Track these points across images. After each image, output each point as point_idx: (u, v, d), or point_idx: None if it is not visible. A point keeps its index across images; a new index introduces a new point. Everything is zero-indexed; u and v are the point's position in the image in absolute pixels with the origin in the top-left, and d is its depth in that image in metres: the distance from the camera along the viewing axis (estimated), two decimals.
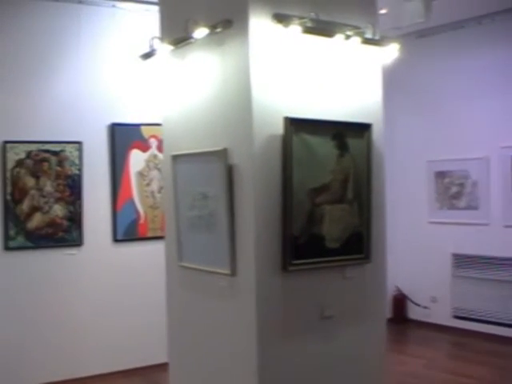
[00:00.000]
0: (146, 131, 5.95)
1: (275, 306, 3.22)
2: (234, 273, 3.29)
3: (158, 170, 5.99)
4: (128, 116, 5.89)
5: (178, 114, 3.85)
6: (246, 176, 3.19)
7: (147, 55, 3.93)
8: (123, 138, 5.85)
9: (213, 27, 3.30)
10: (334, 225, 3.36)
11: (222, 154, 3.28)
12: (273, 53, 3.22)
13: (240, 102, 3.23)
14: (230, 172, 3.27)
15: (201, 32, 3.33)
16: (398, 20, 5.64)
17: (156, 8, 5.79)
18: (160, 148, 5.87)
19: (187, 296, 3.83)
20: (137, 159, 5.94)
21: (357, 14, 3.53)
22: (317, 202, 3.30)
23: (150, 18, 5.78)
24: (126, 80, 5.85)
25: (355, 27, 3.41)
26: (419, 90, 7.37)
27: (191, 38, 3.41)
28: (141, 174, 5.95)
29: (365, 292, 3.59)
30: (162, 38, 3.86)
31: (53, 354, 5.60)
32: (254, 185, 3.15)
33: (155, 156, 6.01)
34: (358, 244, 3.47)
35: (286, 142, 3.19)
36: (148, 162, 5.99)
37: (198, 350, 3.70)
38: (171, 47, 3.66)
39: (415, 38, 7.08)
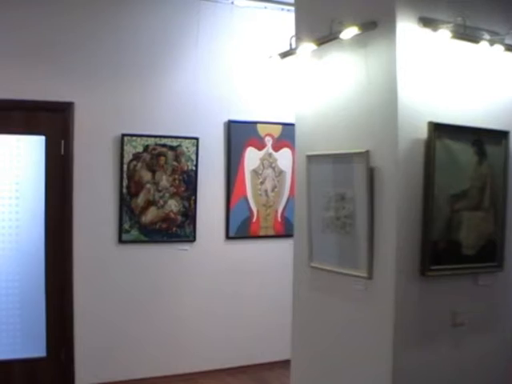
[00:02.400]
0: (261, 129, 5.89)
1: (411, 310, 3.19)
2: (370, 276, 3.27)
3: (273, 168, 5.92)
4: (244, 113, 5.85)
5: (312, 113, 3.82)
6: (388, 179, 3.17)
7: (286, 54, 3.90)
8: (239, 135, 5.81)
9: (358, 28, 3.25)
10: (470, 232, 3.33)
11: (365, 156, 3.25)
12: (419, 56, 3.19)
13: (384, 105, 3.20)
14: (371, 174, 3.23)
15: (349, 32, 3.28)
16: None
17: (274, 5, 5.85)
18: (275, 147, 5.81)
19: (317, 297, 3.79)
20: (252, 157, 5.89)
21: (499, 21, 3.45)
22: (456, 209, 3.28)
23: (268, 15, 5.81)
24: (243, 77, 5.84)
25: (497, 33, 3.34)
26: None
27: (336, 38, 3.36)
28: (255, 172, 5.90)
29: (495, 300, 3.52)
30: (298, 37, 3.81)
31: (161, 349, 5.66)
32: (396, 188, 3.14)
33: (270, 154, 5.95)
34: (492, 252, 3.42)
35: (430, 146, 3.18)
36: (263, 160, 5.93)
37: (325, 352, 3.68)
38: (313, 46, 3.59)
39: None
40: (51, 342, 5.33)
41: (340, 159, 3.47)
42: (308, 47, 3.63)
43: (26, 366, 5.27)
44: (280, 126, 5.87)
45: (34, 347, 5.31)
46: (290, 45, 3.80)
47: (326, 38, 3.46)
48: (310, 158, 3.72)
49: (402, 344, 3.17)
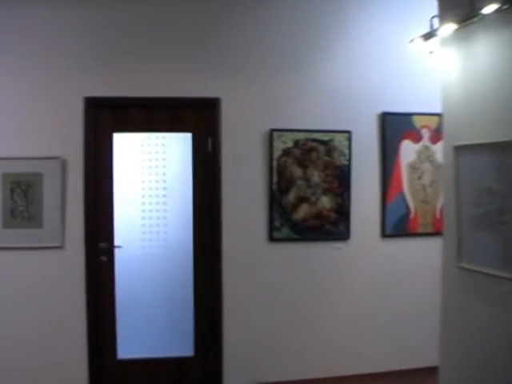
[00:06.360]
0: (417, 121, 5.52)
1: None
2: None
3: (430, 162, 5.52)
4: (399, 104, 5.50)
5: (460, 101, 3.49)
6: None
7: (427, 36, 3.63)
8: (394, 127, 5.47)
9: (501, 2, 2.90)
10: None
11: None
12: None
13: None
14: None
15: (491, 7, 2.97)
16: None
17: None
18: (433, 139, 5.44)
19: (467, 300, 3.45)
20: (408, 150, 5.52)
21: None
22: None
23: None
24: (397, 66, 5.49)
25: None
26: None
27: (477, 14, 3.05)
28: (412, 167, 5.52)
29: None
30: (441, 18, 3.50)
31: (311, 350, 5.44)
32: None
33: (427, 147, 5.56)
34: None
35: None
36: (419, 153, 5.54)
37: (476, 359, 3.33)
38: (453, 26, 3.27)
39: None
40: (199, 341, 5.32)
41: (490, 150, 3.13)
42: (447, 28, 3.31)
43: (173, 365, 5.30)
44: (437, 117, 5.44)
45: (182, 346, 5.32)
46: (431, 26, 3.48)
47: (468, 15, 3.15)
48: (457, 148, 3.43)
49: None
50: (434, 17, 3.67)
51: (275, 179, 5.25)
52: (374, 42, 5.45)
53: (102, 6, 5.10)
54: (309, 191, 5.29)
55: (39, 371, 5.04)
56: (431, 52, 4.16)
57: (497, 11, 2.98)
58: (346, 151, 5.35)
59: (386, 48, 5.44)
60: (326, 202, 5.33)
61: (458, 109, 3.51)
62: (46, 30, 5.06)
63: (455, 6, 3.40)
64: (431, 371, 4.63)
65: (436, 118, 5.45)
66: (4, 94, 5.02)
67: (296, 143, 5.27)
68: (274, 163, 5.25)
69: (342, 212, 5.36)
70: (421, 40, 3.99)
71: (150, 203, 5.25)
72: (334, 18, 5.41)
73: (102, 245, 5.15)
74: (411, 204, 5.49)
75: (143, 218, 5.24)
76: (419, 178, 5.52)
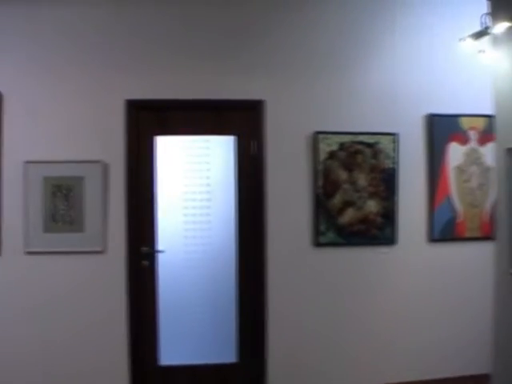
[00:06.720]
0: (465, 122, 5.39)
1: None
2: None
3: (478, 164, 5.39)
4: (446, 106, 5.37)
5: None
6: None
7: (478, 34, 3.50)
8: (441, 129, 5.34)
9: None
10: None
11: None
12: None
13: None
14: None
15: None
16: None
17: None
18: (480, 141, 5.31)
19: None
20: (455, 153, 5.39)
21: None
22: None
23: None
24: (444, 66, 5.36)
25: None
26: None
27: None
28: (459, 169, 5.39)
29: None
30: (494, 15, 3.37)
31: (358, 357, 5.33)
32: None
33: (475, 150, 5.43)
34: None
35: None
36: (467, 156, 5.42)
37: None
38: (506, 25, 3.14)
39: None
40: (242, 347, 5.24)
41: None
42: (503, 25, 3.18)
43: (216, 371, 5.24)
44: (485, 119, 5.33)
45: (225, 352, 5.24)
46: (482, 24, 3.35)
47: None
48: (511, 151, 3.33)
49: None
50: (484, 14, 3.52)
51: (320, 183, 5.15)
52: (422, 41, 5.32)
53: (144, 7, 5.03)
54: (355, 195, 5.19)
55: (79, 377, 5.00)
56: (481, 51, 4.01)
57: None
58: (392, 154, 5.23)
59: (434, 48, 5.32)
60: (372, 206, 5.22)
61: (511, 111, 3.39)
62: (86, 31, 5.00)
63: (509, 4, 3.28)
64: (481, 379, 4.55)
65: (484, 119, 5.33)
66: (44, 96, 4.97)
67: (341, 146, 5.17)
68: (319, 166, 5.13)
69: (389, 216, 5.25)
70: (471, 39, 3.85)
71: (193, 207, 5.16)
72: (381, 17, 5.29)
73: (144, 249, 5.08)
74: (459, 208, 5.37)
75: (186, 223, 5.16)
76: (467, 180, 5.39)
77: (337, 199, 5.18)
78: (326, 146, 5.15)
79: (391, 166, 5.23)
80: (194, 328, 5.19)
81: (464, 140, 5.39)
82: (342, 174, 5.17)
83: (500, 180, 3.52)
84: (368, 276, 5.28)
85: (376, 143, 5.20)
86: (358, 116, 5.24)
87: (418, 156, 5.34)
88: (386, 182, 5.22)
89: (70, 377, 5.00)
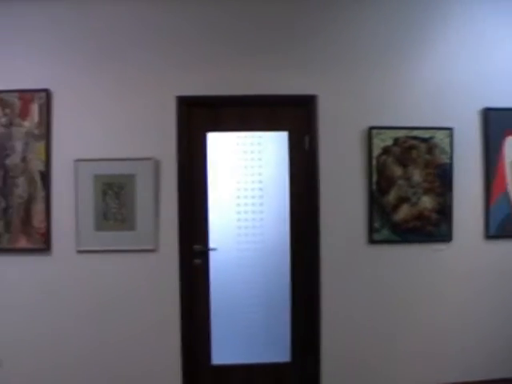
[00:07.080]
0: None
1: None
2: None
3: None
4: (502, 99, 5.25)
5: None
6: None
7: None
8: (497, 123, 5.22)
9: None
10: None
11: None
12: None
13: None
14: None
15: None
16: None
17: None
18: None
19: None
20: (511, 148, 5.26)
21: None
22: None
23: None
24: (501, 59, 5.25)
25: None
26: None
27: None
28: None
29: None
30: None
31: (414, 356, 5.23)
32: None
33: None
34: None
35: None
36: None
37: None
38: None
39: None
40: (296, 347, 5.17)
41: None
42: None
43: (269, 371, 5.17)
44: None
45: (279, 351, 5.18)
46: None
47: None
48: None
49: None
50: None
51: (375, 178, 5.06)
52: (478, 33, 5.22)
53: (196, 3, 4.95)
54: (410, 191, 5.09)
55: (132, 377, 4.96)
56: None
57: None
58: (448, 149, 5.13)
59: (490, 40, 5.21)
60: (427, 202, 5.12)
61: None
62: (137, 28, 4.95)
63: None
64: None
65: None
66: (94, 93, 4.93)
67: (396, 141, 5.07)
68: (373, 162, 5.05)
69: (444, 212, 5.15)
70: None
71: (246, 204, 5.09)
72: (436, 10, 5.19)
73: (196, 247, 5.02)
74: None
75: (239, 220, 5.09)
76: None
77: (391, 195, 5.08)
78: (380, 142, 5.06)
79: (446, 161, 5.13)
80: (246, 327, 5.12)
81: None
82: (397, 170, 5.08)
83: None
84: (424, 273, 5.19)
85: (431, 138, 5.10)
86: (412, 110, 5.14)
87: (474, 151, 5.23)
88: (441, 178, 5.12)
89: (123, 376, 4.97)
